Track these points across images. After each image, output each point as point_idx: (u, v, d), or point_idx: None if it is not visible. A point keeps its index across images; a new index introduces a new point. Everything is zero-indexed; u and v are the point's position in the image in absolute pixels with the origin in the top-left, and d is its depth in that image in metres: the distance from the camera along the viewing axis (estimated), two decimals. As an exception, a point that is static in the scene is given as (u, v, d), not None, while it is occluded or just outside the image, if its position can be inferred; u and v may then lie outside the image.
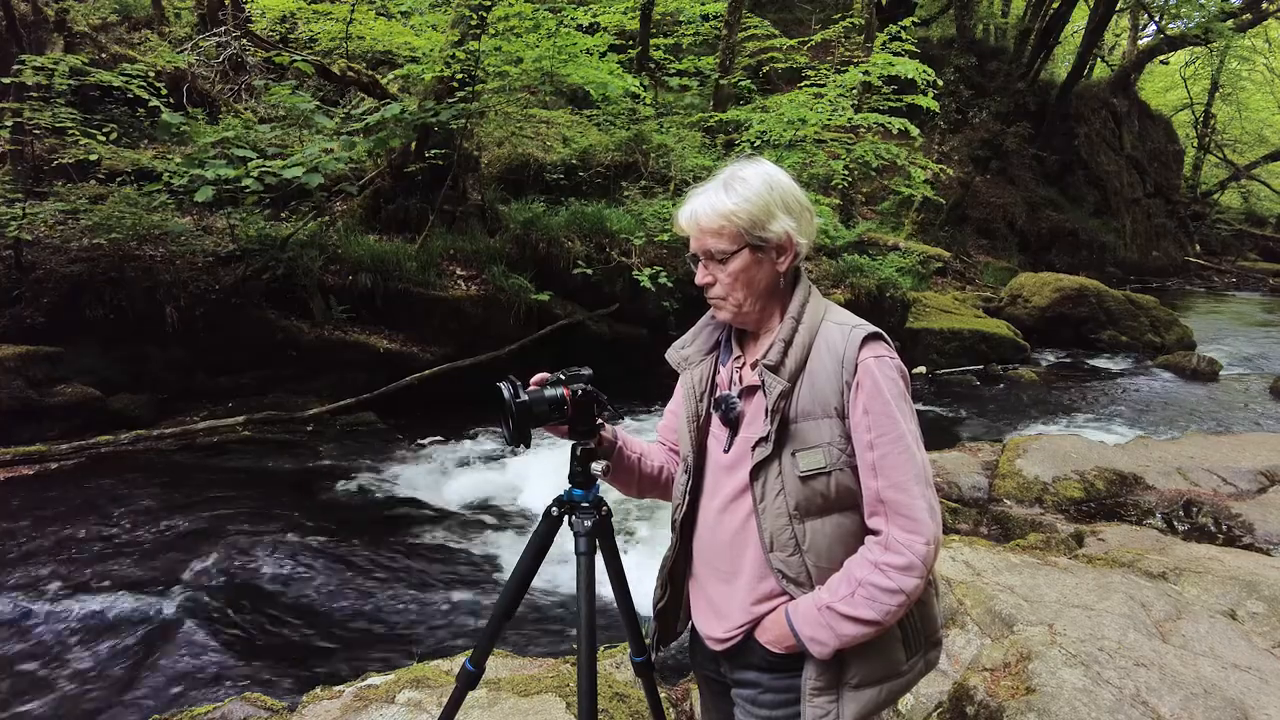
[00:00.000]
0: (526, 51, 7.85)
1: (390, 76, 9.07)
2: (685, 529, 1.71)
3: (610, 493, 1.87)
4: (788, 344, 1.54)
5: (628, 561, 1.93)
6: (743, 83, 11.51)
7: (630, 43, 12.00)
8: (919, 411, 1.56)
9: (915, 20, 12.94)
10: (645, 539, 5.20)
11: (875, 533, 1.49)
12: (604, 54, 8.81)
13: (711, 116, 10.91)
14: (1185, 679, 2.65)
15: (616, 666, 3.11)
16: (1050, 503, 5.18)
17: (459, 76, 7.61)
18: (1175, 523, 4.93)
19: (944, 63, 16.24)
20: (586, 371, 1.74)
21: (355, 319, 7.48)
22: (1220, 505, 4.96)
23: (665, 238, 8.25)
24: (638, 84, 8.86)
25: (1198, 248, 26.35)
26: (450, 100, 7.62)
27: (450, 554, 5.14)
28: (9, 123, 6.51)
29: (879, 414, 1.47)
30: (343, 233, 7.80)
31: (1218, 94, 27.52)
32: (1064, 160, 20.91)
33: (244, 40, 9.00)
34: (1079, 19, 21.95)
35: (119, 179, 7.36)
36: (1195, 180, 28.91)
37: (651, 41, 12.58)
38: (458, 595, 4.61)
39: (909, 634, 1.56)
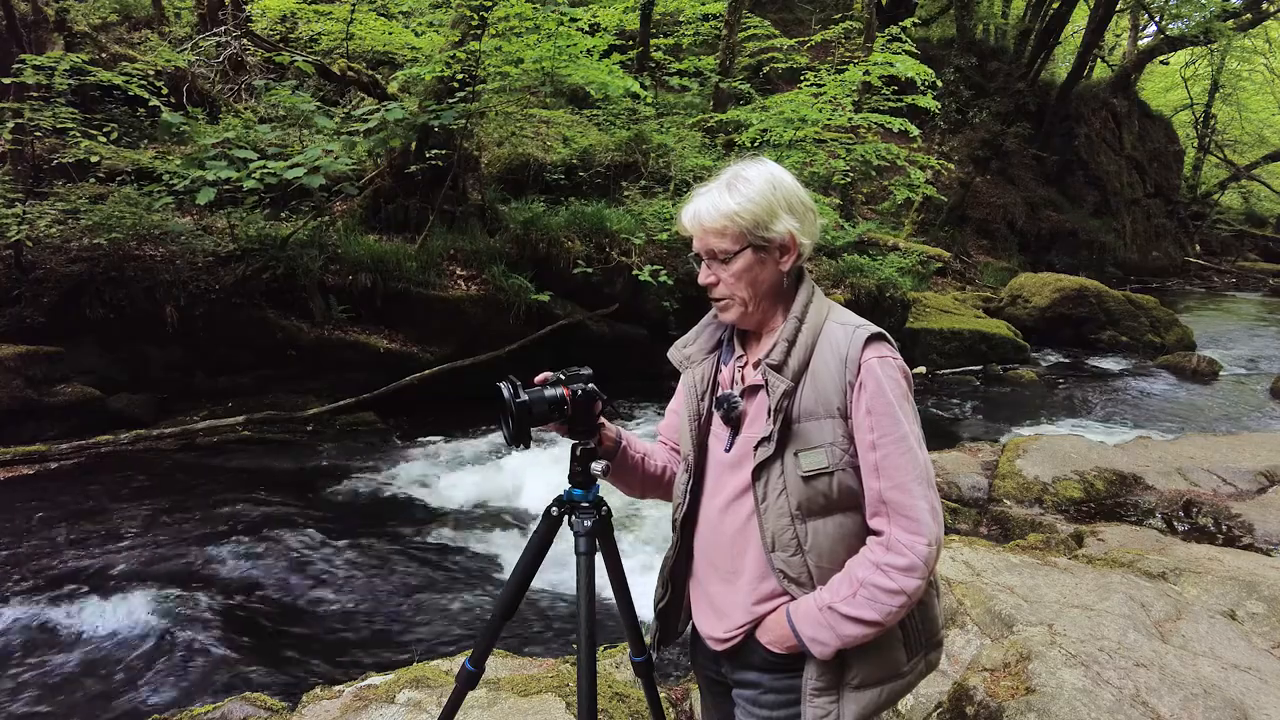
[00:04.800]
0: (527, 52, 7.85)
1: (391, 78, 9.06)
2: (686, 528, 1.71)
3: (611, 492, 1.87)
4: (791, 344, 1.54)
5: (628, 562, 1.93)
6: (741, 85, 11.49)
7: (630, 43, 11.99)
8: (919, 412, 1.56)
9: (915, 20, 12.94)
10: (645, 539, 5.20)
11: (877, 533, 1.49)
12: (604, 54, 8.80)
13: (712, 117, 10.91)
14: (1185, 679, 2.65)
15: (616, 666, 3.11)
16: (1050, 503, 5.18)
17: (459, 77, 7.61)
18: (1175, 523, 4.93)
19: (944, 63, 16.23)
20: (586, 371, 1.74)
21: (355, 319, 7.48)
22: (1220, 505, 4.96)
23: (665, 237, 8.25)
24: (638, 84, 8.85)
25: (1198, 248, 26.35)
26: (450, 100, 7.62)
27: (450, 554, 5.15)
28: (9, 123, 6.51)
29: (881, 414, 1.47)
30: (343, 233, 7.80)
31: (1218, 94, 27.50)
32: (1064, 160, 20.91)
33: (244, 40, 9.00)
34: (1079, 19, 21.94)
35: (119, 179, 7.36)
36: (1195, 180, 28.90)
37: (651, 41, 12.58)
38: (458, 595, 4.61)
39: (910, 635, 1.56)
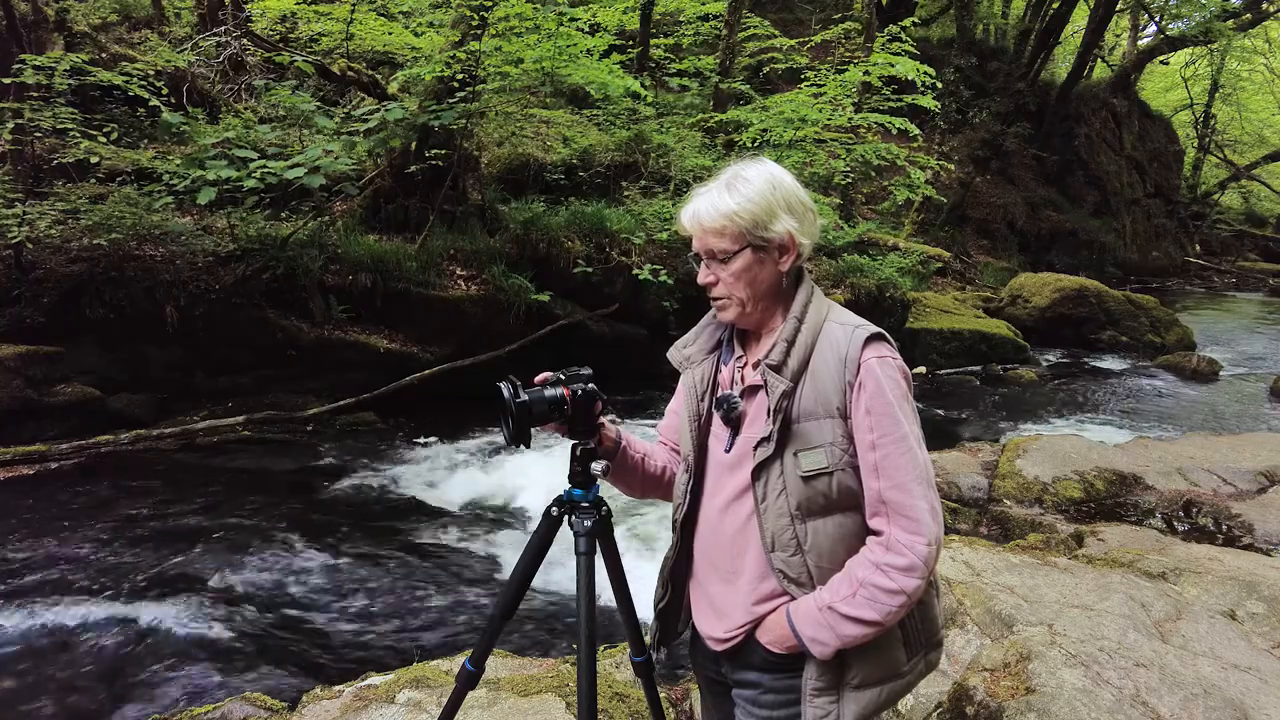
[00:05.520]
0: (527, 52, 7.85)
1: (391, 78, 9.07)
2: (686, 528, 1.71)
3: (612, 493, 1.87)
4: (790, 344, 1.54)
5: (627, 561, 1.93)
6: (740, 85, 11.49)
7: (630, 43, 11.99)
8: (919, 412, 1.56)
9: (915, 20, 12.94)
10: (645, 539, 5.20)
11: (877, 533, 1.49)
12: (604, 54, 8.81)
13: (712, 117, 10.91)
14: (1185, 679, 2.65)
15: (616, 666, 3.11)
16: (1050, 503, 5.18)
17: (459, 77, 7.62)
18: (1175, 523, 4.94)
19: (944, 63, 16.23)
20: (586, 371, 1.74)
21: (355, 319, 7.48)
22: (1220, 505, 4.96)
23: (665, 237, 8.25)
24: (638, 84, 8.85)
25: (1198, 248, 26.36)
26: (450, 100, 7.62)
27: (450, 554, 5.15)
28: (9, 123, 6.51)
29: (881, 414, 1.47)
30: (343, 233, 7.80)
31: (1218, 94, 27.50)
32: (1064, 160, 20.92)
33: (244, 40, 9.00)
34: (1079, 19, 21.95)
35: (119, 179, 7.36)
36: (1195, 180, 28.90)
37: (651, 41, 12.58)
38: (458, 595, 4.62)
39: (910, 635, 1.56)
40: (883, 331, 1.55)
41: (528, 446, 1.70)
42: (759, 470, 1.53)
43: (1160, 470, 5.49)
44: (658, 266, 7.95)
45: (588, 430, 1.74)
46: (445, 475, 6.32)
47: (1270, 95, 27.99)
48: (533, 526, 1.86)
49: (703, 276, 1.61)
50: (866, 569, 1.47)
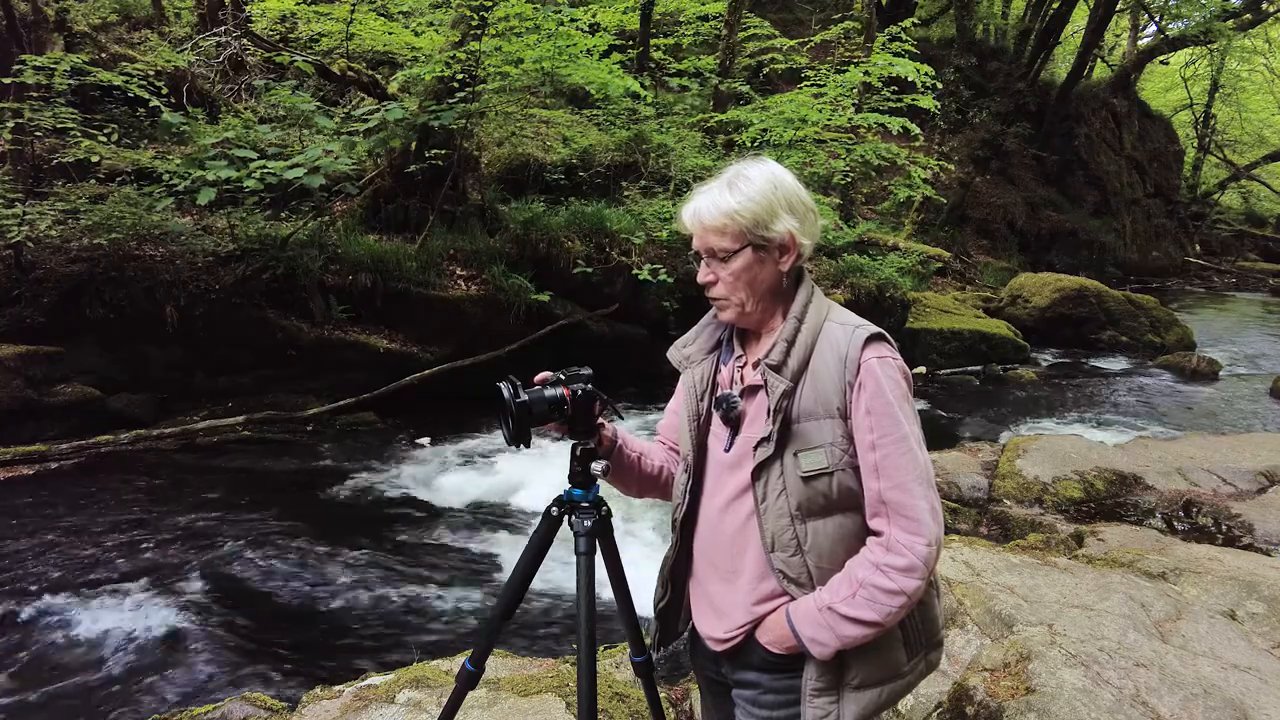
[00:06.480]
0: (527, 52, 7.85)
1: (391, 78, 9.08)
2: (686, 528, 1.71)
3: (611, 494, 1.87)
4: (790, 344, 1.54)
5: (628, 561, 1.93)
6: (740, 85, 11.49)
7: (630, 43, 12.00)
8: (919, 412, 1.56)
9: (915, 20, 12.94)
10: (645, 539, 5.20)
11: (877, 534, 1.49)
12: (604, 54, 8.81)
13: (712, 117, 10.91)
14: (1185, 679, 2.65)
15: (616, 666, 3.11)
16: (1050, 503, 5.18)
17: (459, 77, 7.62)
18: (1175, 523, 4.93)
19: (944, 63, 16.22)
20: (586, 371, 1.74)
21: (355, 319, 7.48)
22: (1220, 505, 4.96)
23: (665, 236, 8.25)
24: (638, 84, 8.85)
25: (1198, 248, 26.35)
26: (450, 100, 7.63)
27: (450, 554, 5.15)
28: (9, 123, 6.51)
29: (881, 415, 1.47)
30: (343, 233, 7.80)
31: (1218, 94, 27.49)
32: (1064, 160, 20.91)
33: (244, 40, 9.00)
34: (1079, 19, 21.94)
35: (119, 179, 7.36)
36: (1195, 180, 28.89)
37: (651, 41, 12.58)
38: (458, 595, 4.62)
39: (910, 635, 1.56)
40: (883, 331, 1.55)
41: (528, 446, 1.70)
42: (759, 470, 1.52)
43: (1160, 470, 5.49)
44: (658, 266, 7.95)
45: (588, 430, 1.74)
46: (445, 475, 6.33)
47: (1270, 95, 27.97)
48: (533, 526, 1.86)
49: (702, 275, 1.61)
50: (866, 569, 1.47)
